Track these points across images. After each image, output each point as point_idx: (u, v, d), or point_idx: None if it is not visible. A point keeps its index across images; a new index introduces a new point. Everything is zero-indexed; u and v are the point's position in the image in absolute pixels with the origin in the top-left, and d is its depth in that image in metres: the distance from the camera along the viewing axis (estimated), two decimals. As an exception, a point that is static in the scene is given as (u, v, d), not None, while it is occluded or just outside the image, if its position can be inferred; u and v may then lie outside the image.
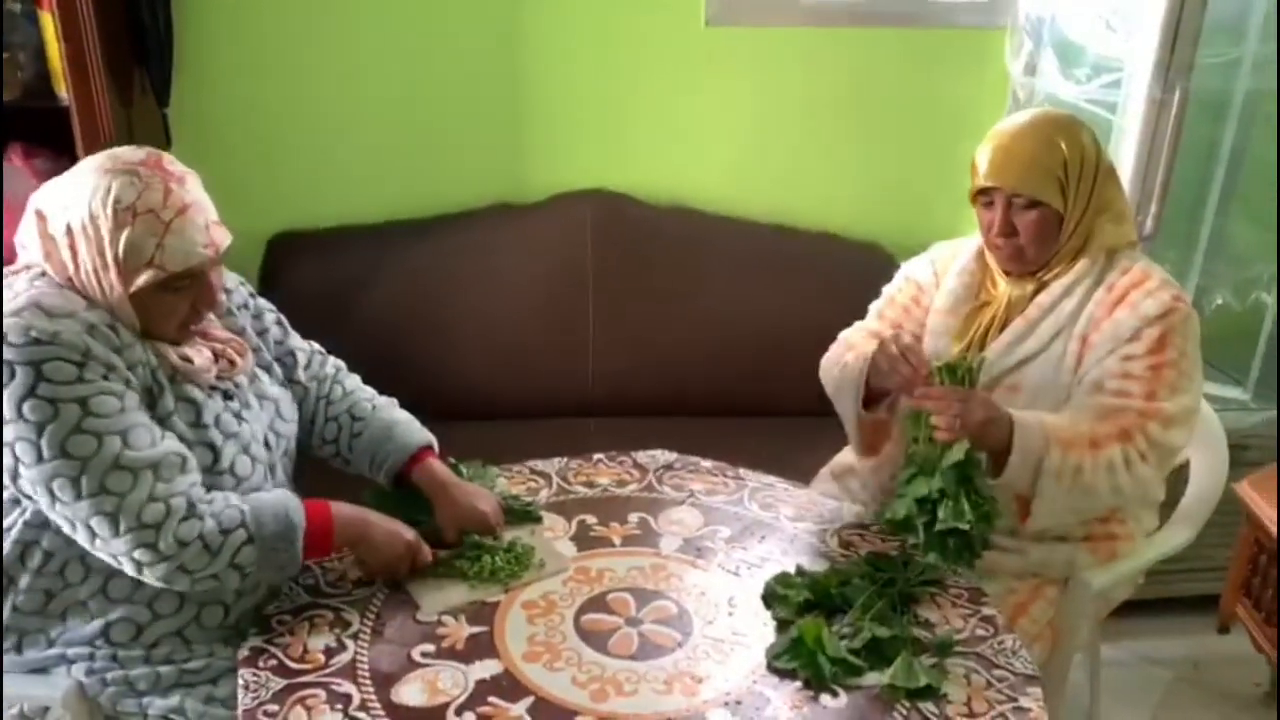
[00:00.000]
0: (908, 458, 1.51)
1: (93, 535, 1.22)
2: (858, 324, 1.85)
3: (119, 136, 2.07)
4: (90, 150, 2.02)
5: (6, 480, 1.23)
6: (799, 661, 1.30)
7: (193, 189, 1.29)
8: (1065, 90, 2.33)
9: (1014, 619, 1.55)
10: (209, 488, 1.30)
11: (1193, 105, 2.08)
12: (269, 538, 1.29)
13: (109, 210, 1.22)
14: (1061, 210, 1.56)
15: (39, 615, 1.30)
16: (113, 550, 1.22)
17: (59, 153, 2.11)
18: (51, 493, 1.20)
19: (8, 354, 1.17)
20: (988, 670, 1.32)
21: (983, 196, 1.60)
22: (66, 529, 1.23)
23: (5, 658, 1.32)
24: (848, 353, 1.72)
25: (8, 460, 1.20)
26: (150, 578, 1.24)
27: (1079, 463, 1.48)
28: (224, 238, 1.31)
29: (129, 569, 1.24)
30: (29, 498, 1.23)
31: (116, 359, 1.23)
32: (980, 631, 1.40)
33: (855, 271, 2.54)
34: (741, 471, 1.79)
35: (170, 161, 1.28)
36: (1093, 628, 1.82)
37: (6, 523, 1.27)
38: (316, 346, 1.64)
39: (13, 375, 1.17)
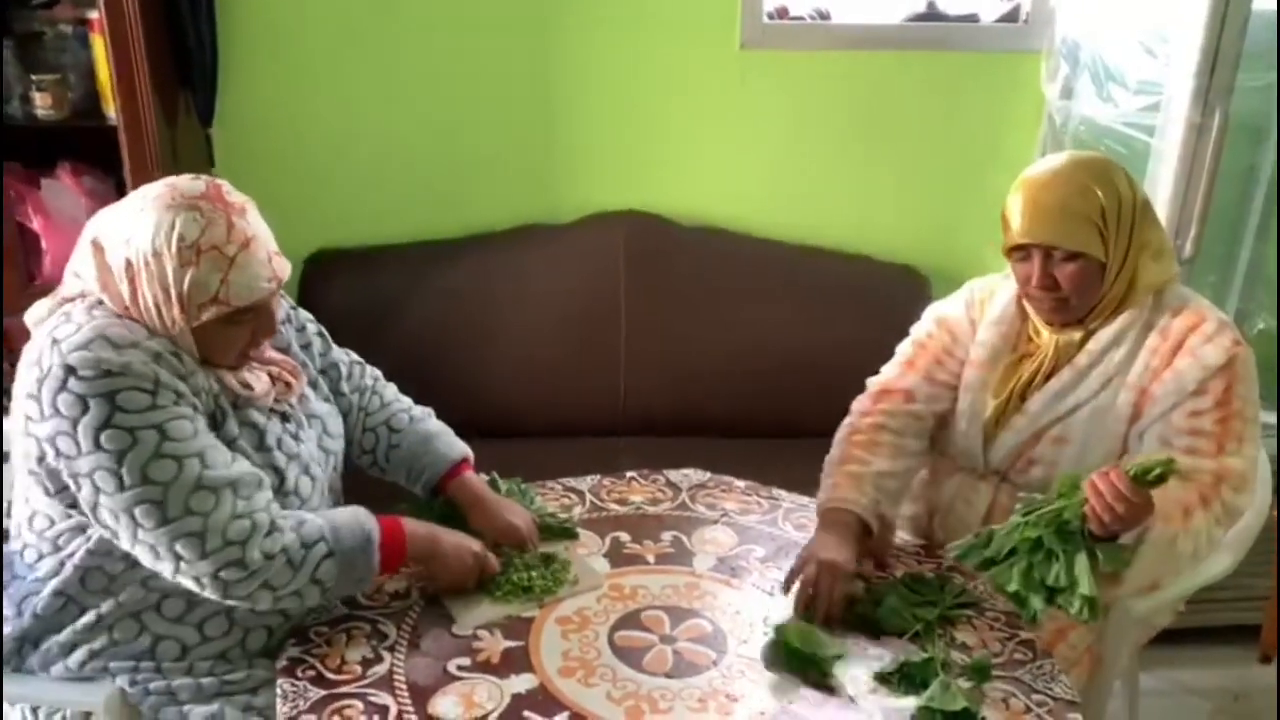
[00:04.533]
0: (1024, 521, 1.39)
1: (178, 559, 1.22)
2: (888, 371, 1.73)
3: (164, 156, 2.12)
4: (136, 169, 2.07)
5: (84, 509, 1.23)
6: (792, 665, 1.32)
7: (254, 220, 1.28)
8: (1102, 114, 2.32)
9: (1052, 644, 1.53)
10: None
11: (1231, 129, 2.07)
12: (348, 551, 1.30)
13: (174, 248, 1.21)
14: (1103, 258, 1.49)
15: (88, 632, 1.31)
16: (198, 572, 1.22)
17: (106, 172, 2.16)
18: (134, 519, 1.20)
19: (80, 388, 1.17)
20: (1027, 695, 1.31)
21: (1018, 251, 1.54)
22: (147, 558, 1.23)
23: (50, 666, 1.33)
24: (840, 473, 1.61)
25: (86, 492, 1.20)
26: (236, 597, 1.25)
27: (1175, 533, 1.42)
28: (285, 268, 1.31)
29: (213, 591, 1.24)
30: (107, 528, 1.23)
31: (183, 385, 1.24)
32: (1018, 656, 1.39)
33: (887, 294, 2.54)
34: (775, 492, 1.79)
35: (229, 192, 1.28)
36: (1133, 654, 1.80)
37: (70, 548, 1.28)
38: (354, 356, 1.65)
39: (86, 408, 1.17)
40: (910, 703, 1.28)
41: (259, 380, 1.35)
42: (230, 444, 1.29)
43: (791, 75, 2.53)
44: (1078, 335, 1.56)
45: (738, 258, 2.58)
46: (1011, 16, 2.59)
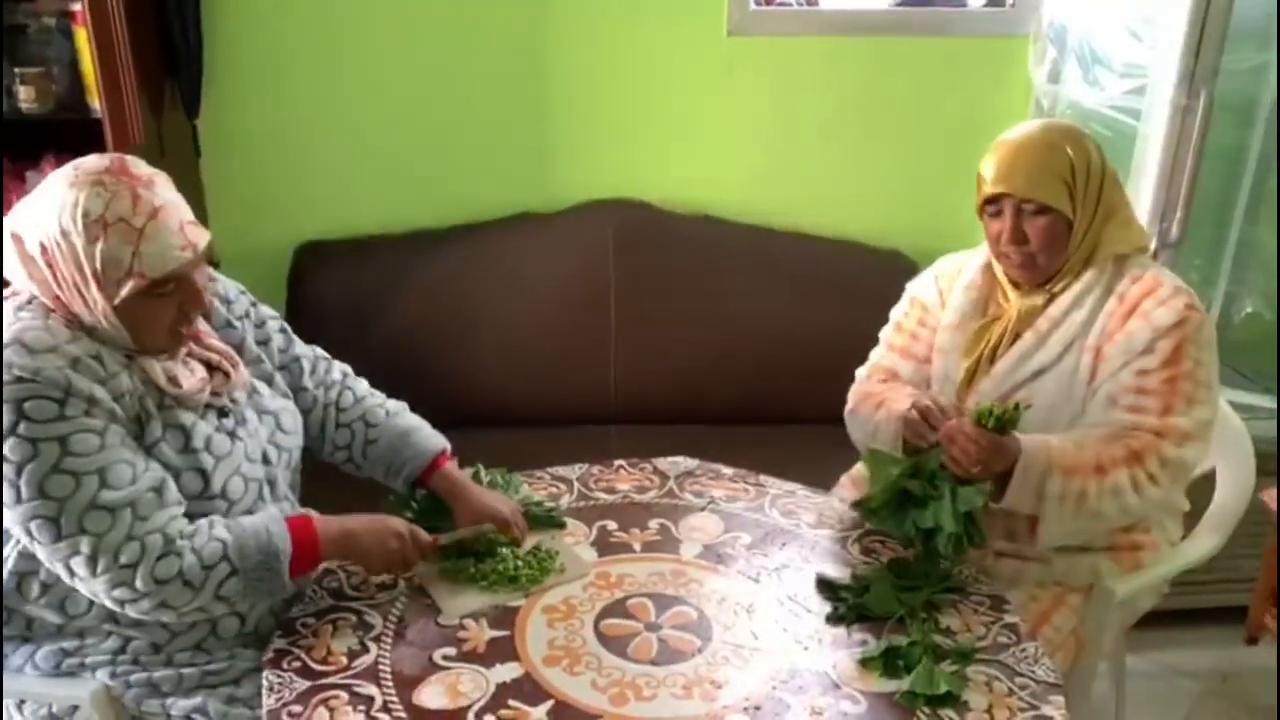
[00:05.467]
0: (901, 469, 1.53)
1: (71, 574, 1.22)
2: (872, 357, 1.82)
3: (149, 148, 2.11)
4: (121, 161, 2.07)
5: None
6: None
7: (162, 191, 1.25)
8: (1089, 97, 2.32)
9: (1037, 627, 1.55)
10: (198, 514, 1.29)
11: (1220, 111, 2.07)
12: (253, 568, 1.27)
13: (80, 224, 1.19)
14: (1070, 216, 1.55)
15: (55, 637, 1.31)
16: (92, 589, 1.22)
17: (91, 164, 2.15)
18: (30, 533, 1.20)
19: None
20: (1010, 678, 1.32)
21: (990, 206, 1.59)
22: (49, 565, 1.23)
23: (30, 665, 1.34)
24: (876, 412, 1.69)
25: None
26: (134, 614, 1.24)
27: (1082, 488, 1.48)
28: (201, 237, 1.27)
29: (112, 606, 1.24)
30: (13, 537, 1.23)
31: (100, 391, 1.22)
32: (1002, 639, 1.40)
33: (877, 279, 2.52)
34: (762, 478, 1.79)
35: (135, 164, 1.25)
36: (1117, 637, 1.81)
37: (5, 551, 1.28)
38: (320, 352, 1.62)
39: None
40: (895, 686, 1.29)
41: (190, 375, 1.33)
42: (152, 447, 1.27)
43: (779, 62, 2.53)
44: (1040, 300, 1.61)
45: (727, 244, 2.58)
46: (998, 1, 2.59)
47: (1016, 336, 1.62)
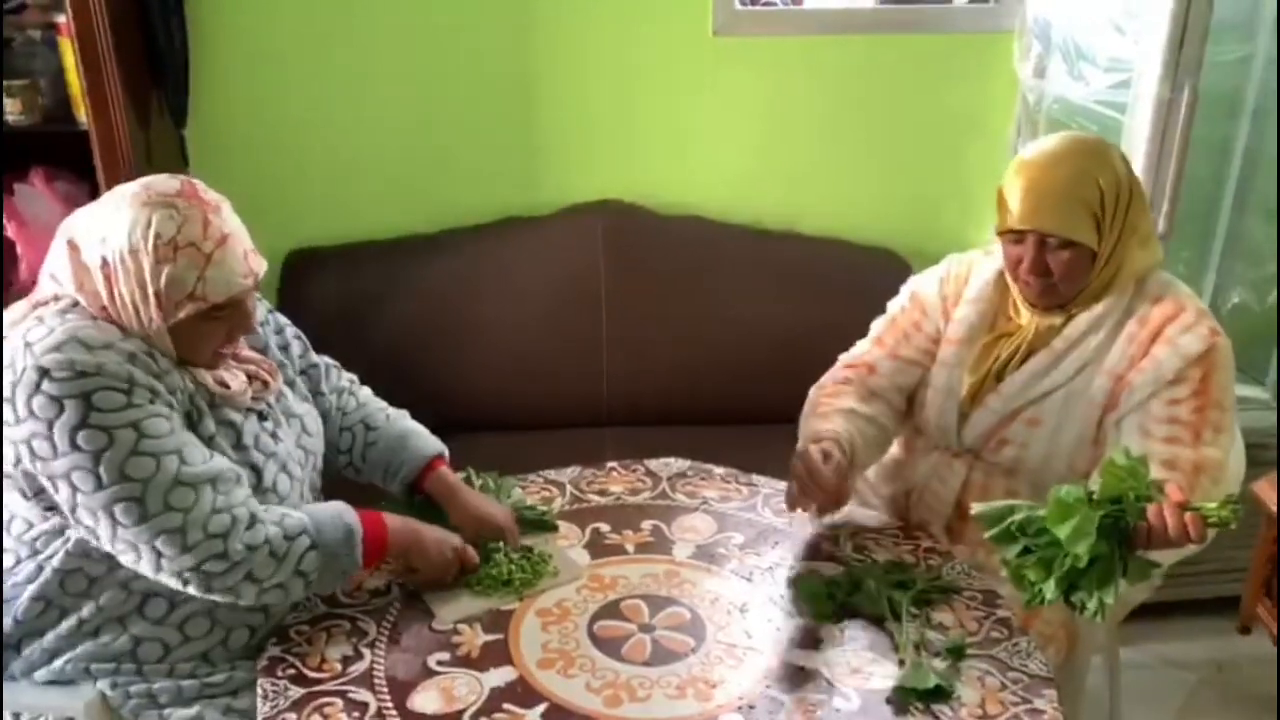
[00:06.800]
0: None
1: (159, 556, 1.22)
2: (857, 347, 1.78)
3: (137, 158, 2.11)
4: (109, 173, 2.07)
5: (63, 510, 1.23)
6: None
7: (229, 217, 1.29)
8: (1074, 92, 2.33)
9: (1028, 621, 1.55)
10: None
11: (1205, 104, 2.08)
12: (330, 544, 1.31)
13: (150, 245, 1.22)
14: (1096, 247, 1.50)
15: (71, 635, 1.32)
16: (180, 566, 1.23)
17: (80, 176, 2.16)
18: (114, 517, 1.20)
19: (54, 389, 1.17)
20: (1002, 672, 1.32)
21: (1010, 234, 1.53)
22: (129, 557, 1.23)
23: (33, 671, 1.33)
24: (813, 419, 1.65)
25: (64, 493, 1.21)
26: (219, 590, 1.25)
27: None
28: (261, 265, 1.32)
29: (196, 586, 1.24)
30: (86, 528, 1.23)
31: (159, 384, 1.24)
32: (994, 634, 1.40)
33: (867, 277, 2.53)
34: (754, 478, 1.80)
35: (204, 190, 1.29)
36: (1110, 630, 1.81)
37: (48, 551, 1.29)
38: (330, 360, 1.66)
39: (61, 409, 1.17)
40: (887, 684, 1.29)
41: (235, 378, 1.36)
42: (208, 442, 1.30)
43: (765, 61, 2.53)
44: (1058, 320, 1.57)
45: (717, 245, 2.58)
46: (983, -3, 2.60)
47: (1029, 353, 1.58)
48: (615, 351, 2.49)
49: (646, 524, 1.64)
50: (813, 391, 1.76)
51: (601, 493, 1.73)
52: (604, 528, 1.63)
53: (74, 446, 1.18)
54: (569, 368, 2.49)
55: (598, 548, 1.58)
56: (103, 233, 1.24)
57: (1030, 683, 1.31)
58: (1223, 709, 2.27)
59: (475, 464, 1.69)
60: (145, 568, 1.24)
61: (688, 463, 1.84)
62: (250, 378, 1.39)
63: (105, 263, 1.24)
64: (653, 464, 1.83)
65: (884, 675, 1.31)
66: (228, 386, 1.34)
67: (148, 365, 1.24)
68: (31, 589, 1.29)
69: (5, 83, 2.05)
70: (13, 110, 2.07)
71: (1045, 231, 1.49)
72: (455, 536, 1.46)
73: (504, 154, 2.54)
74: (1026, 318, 1.59)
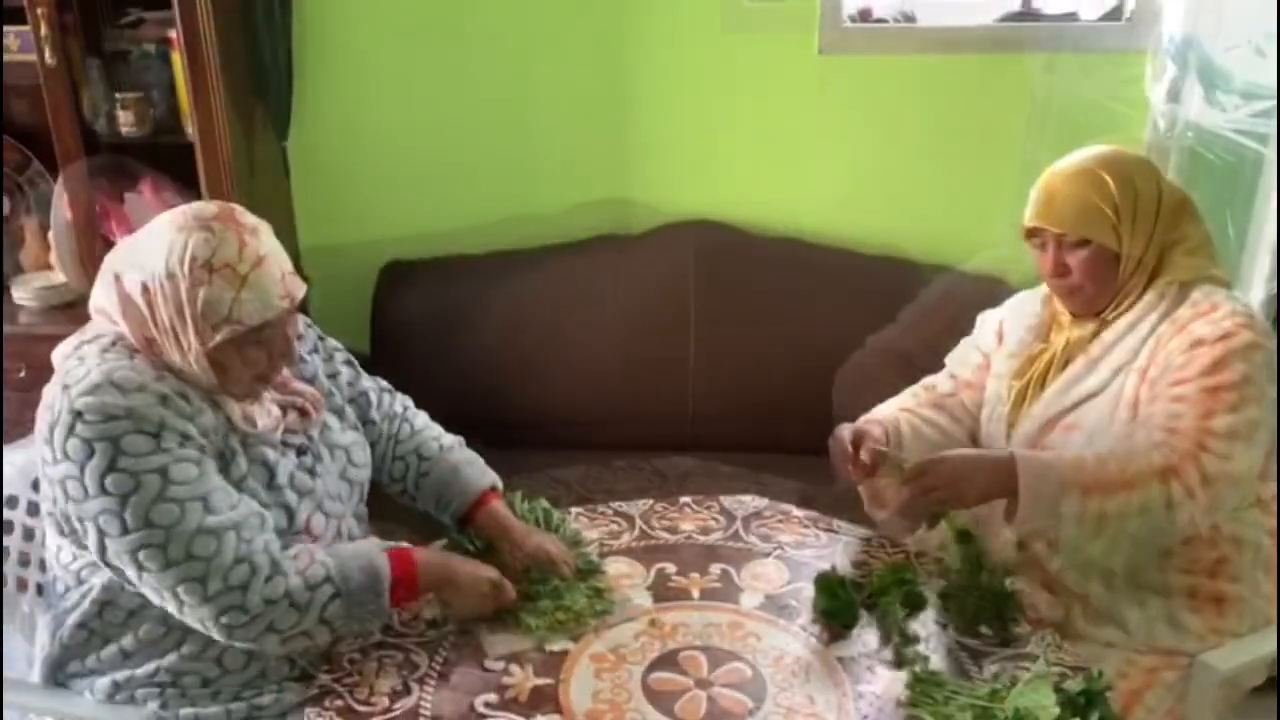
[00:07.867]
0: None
1: (180, 603, 1.23)
2: (942, 373, 1.81)
3: (240, 169, 2.17)
4: (212, 184, 2.13)
5: (92, 552, 1.25)
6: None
7: (266, 240, 1.28)
8: (1210, 119, 2.16)
9: (1128, 708, 1.42)
10: (286, 547, 1.30)
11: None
12: (356, 591, 1.29)
13: (187, 268, 1.22)
14: (1115, 248, 1.50)
15: (114, 662, 1.34)
16: (200, 615, 1.23)
17: (186, 187, 2.22)
18: (139, 563, 1.21)
19: (86, 432, 1.18)
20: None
21: (1034, 238, 1.57)
22: (154, 598, 1.25)
23: (82, 693, 1.37)
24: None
25: (93, 535, 1.22)
26: (240, 641, 1.25)
27: (1101, 508, 1.37)
28: (298, 288, 1.30)
29: (217, 634, 1.25)
30: (115, 569, 1.25)
31: (190, 427, 1.24)
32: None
33: (975, 306, 2.41)
34: (836, 523, 1.71)
35: (242, 214, 1.28)
36: (1222, 716, 1.65)
37: (91, 582, 1.31)
38: (384, 383, 1.63)
39: (91, 453, 1.18)
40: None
41: (266, 415, 1.34)
42: (240, 482, 1.29)
43: (873, 80, 2.44)
44: (1091, 327, 1.57)
45: (814, 268, 2.50)
46: (1114, 14, 2.43)
47: (1068, 362, 1.59)
48: (700, 375, 2.43)
49: (715, 568, 1.57)
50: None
51: (671, 530, 1.67)
52: (670, 568, 1.57)
53: (102, 490, 1.19)
54: (653, 390, 2.44)
55: (661, 590, 1.52)
56: (143, 260, 1.24)
57: None
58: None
59: (550, 485, 1.65)
60: (171, 609, 1.24)
61: (765, 501, 1.76)
62: (284, 410, 1.37)
63: (145, 289, 1.24)
64: (727, 501, 1.76)
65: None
66: (255, 424, 1.32)
67: (180, 408, 1.23)
68: (74, 616, 1.32)
69: (119, 96, 2.13)
70: (126, 123, 2.14)
71: (1050, 228, 1.52)
72: (492, 570, 1.41)
73: (600, 171, 2.52)
74: (1065, 328, 1.61)
